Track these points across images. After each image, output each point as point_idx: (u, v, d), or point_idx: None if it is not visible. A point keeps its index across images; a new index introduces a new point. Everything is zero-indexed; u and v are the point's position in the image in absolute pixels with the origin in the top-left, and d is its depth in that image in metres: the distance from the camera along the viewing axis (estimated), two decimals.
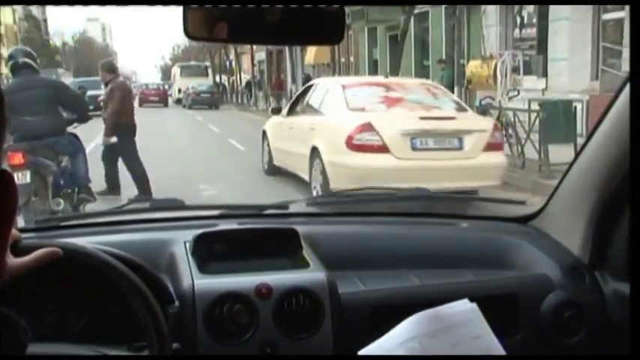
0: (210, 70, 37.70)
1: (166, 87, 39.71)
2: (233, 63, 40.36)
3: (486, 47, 17.45)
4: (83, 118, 6.29)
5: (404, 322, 1.27)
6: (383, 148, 7.06)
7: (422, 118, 7.39)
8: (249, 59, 38.92)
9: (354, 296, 1.56)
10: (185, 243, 1.65)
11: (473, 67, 17.20)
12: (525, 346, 1.56)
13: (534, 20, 16.24)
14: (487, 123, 8.04)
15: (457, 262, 1.77)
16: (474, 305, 1.29)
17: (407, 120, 7.35)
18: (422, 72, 21.36)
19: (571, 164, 1.76)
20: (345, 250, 1.77)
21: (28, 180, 5.35)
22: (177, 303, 1.44)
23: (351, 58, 27.29)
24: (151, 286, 1.33)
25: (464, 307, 1.29)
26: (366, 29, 25.42)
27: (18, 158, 5.35)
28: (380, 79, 9.26)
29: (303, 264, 1.59)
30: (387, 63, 23.85)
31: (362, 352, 1.27)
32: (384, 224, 2.06)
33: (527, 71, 16.24)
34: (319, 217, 2.10)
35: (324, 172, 7.46)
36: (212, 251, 1.61)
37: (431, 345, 1.23)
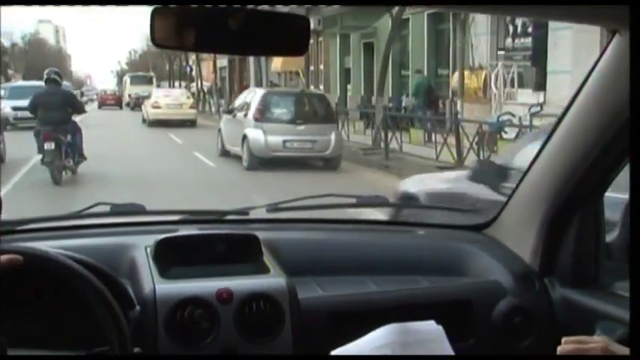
0: (154, 79, 43.40)
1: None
2: (194, 69, 40.15)
3: (475, 57, 16.02)
4: (80, 112, 10.89)
5: (378, 329, 1.38)
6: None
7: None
8: (211, 65, 38.71)
9: (313, 301, 1.60)
10: (146, 248, 1.65)
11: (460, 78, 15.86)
12: (478, 350, 1.62)
13: (529, 30, 14.73)
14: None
15: (413, 269, 1.82)
16: (440, 327, 1.43)
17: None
18: (400, 82, 20.53)
19: (524, 175, 1.83)
20: (304, 256, 1.80)
21: (53, 147, 9.54)
22: (138, 307, 1.45)
23: (321, 67, 25.78)
24: (112, 290, 1.34)
25: (432, 327, 1.43)
26: (338, 36, 24.12)
27: (47, 135, 9.58)
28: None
29: (264, 269, 1.61)
30: (360, 72, 23.14)
31: (335, 352, 1.34)
32: (343, 231, 2.10)
33: (520, 84, 15.05)
34: (279, 223, 2.12)
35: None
36: (173, 256, 1.62)
37: (401, 354, 1.35)
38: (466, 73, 15.85)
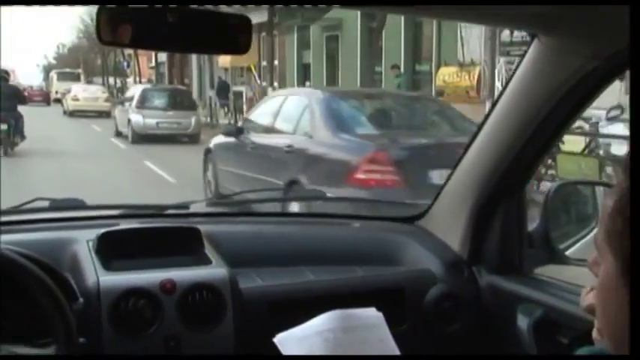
0: (82, 76, 44.28)
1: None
2: (130, 64, 39.26)
3: (465, 52, 14.22)
4: (24, 103, 14.70)
5: (321, 315, 1.45)
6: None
7: None
8: (148, 60, 37.96)
9: (254, 291, 1.65)
10: (88, 242, 1.67)
11: (446, 75, 14.20)
12: (411, 335, 1.70)
13: None
14: None
15: (349, 260, 1.90)
16: (380, 314, 1.50)
17: None
18: (372, 79, 18.25)
19: (454, 167, 1.94)
20: (244, 248, 1.85)
21: (6, 127, 13.20)
22: (81, 300, 1.47)
23: (275, 62, 23.39)
24: (55, 283, 1.36)
25: (372, 313, 1.51)
26: (295, 28, 22.04)
27: (1, 118, 12.95)
28: None
29: (206, 261, 1.66)
30: (322, 68, 21.34)
31: (279, 336, 1.39)
32: (282, 224, 2.16)
33: None
34: (219, 217, 2.16)
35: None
36: (116, 249, 1.65)
37: (343, 338, 1.42)
38: (454, 69, 14.00)
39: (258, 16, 16.12)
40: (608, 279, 0.76)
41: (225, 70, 27.98)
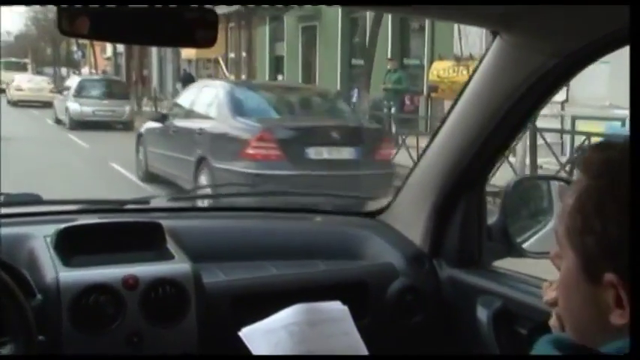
0: (29, 66, 44.10)
1: None
2: (85, 54, 38.37)
3: (463, 46, 13.19)
4: None
5: (286, 309, 1.46)
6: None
7: None
8: (107, 51, 37.06)
9: (217, 285, 1.65)
10: (45, 238, 1.64)
11: (440, 69, 13.34)
12: (374, 328, 1.72)
13: None
14: None
15: (312, 254, 1.90)
16: (345, 307, 1.52)
17: None
18: (349, 73, 17.37)
19: (415, 164, 1.96)
20: (206, 243, 1.84)
21: None
22: (39, 296, 1.44)
23: (244, 54, 21.52)
24: (12, 279, 1.33)
25: (337, 306, 1.53)
26: (267, 19, 20.95)
27: None
28: None
29: (168, 256, 1.64)
30: (297, 61, 20.04)
31: (245, 330, 1.39)
32: (244, 218, 2.15)
33: None
34: (181, 212, 2.14)
35: None
36: (75, 245, 1.62)
37: (309, 332, 1.44)
38: (450, 64, 13.30)
39: (225, 6, 15.48)
40: (569, 274, 0.79)
41: (189, 61, 27.28)
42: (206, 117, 8.28)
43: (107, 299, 1.47)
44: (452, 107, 1.77)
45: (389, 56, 15.19)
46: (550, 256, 0.89)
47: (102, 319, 1.47)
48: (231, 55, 21.38)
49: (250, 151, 7.13)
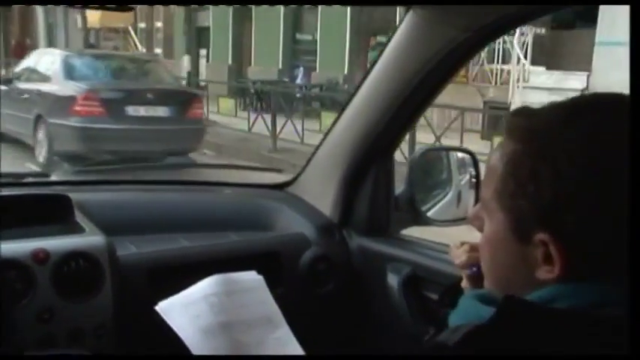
0: None
1: None
2: None
3: None
4: None
5: (205, 280, 1.47)
6: None
7: None
8: None
9: (131, 258, 1.61)
10: None
11: None
12: (288, 297, 1.75)
13: None
14: None
15: (223, 226, 1.90)
16: (261, 277, 1.56)
17: None
18: (292, 49, 15.69)
19: (324, 136, 1.98)
20: (115, 216, 1.80)
21: None
22: None
23: (158, 24, 19.73)
24: None
25: (253, 276, 1.56)
26: None
27: None
28: None
29: (79, 229, 1.59)
30: (227, 33, 17.77)
31: (162, 304, 1.37)
32: (152, 191, 2.11)
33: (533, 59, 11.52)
34: (85, 185, 2.07)
35: None
36: None
37: (227, 302, 1.45)
38: None
39: None
40: (496, 234, 0.84)
41: (89, 30, 22.58)
42: (43, 80, 9.71)
43: (16, 274, 1.41)
44: (363, 80, 1.81)
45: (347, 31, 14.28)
46: (468, 217, 0.94)
47: (11, 295, 1.41)
48: (141, 25, 19.21)
49: (77, 108, 8.78)
